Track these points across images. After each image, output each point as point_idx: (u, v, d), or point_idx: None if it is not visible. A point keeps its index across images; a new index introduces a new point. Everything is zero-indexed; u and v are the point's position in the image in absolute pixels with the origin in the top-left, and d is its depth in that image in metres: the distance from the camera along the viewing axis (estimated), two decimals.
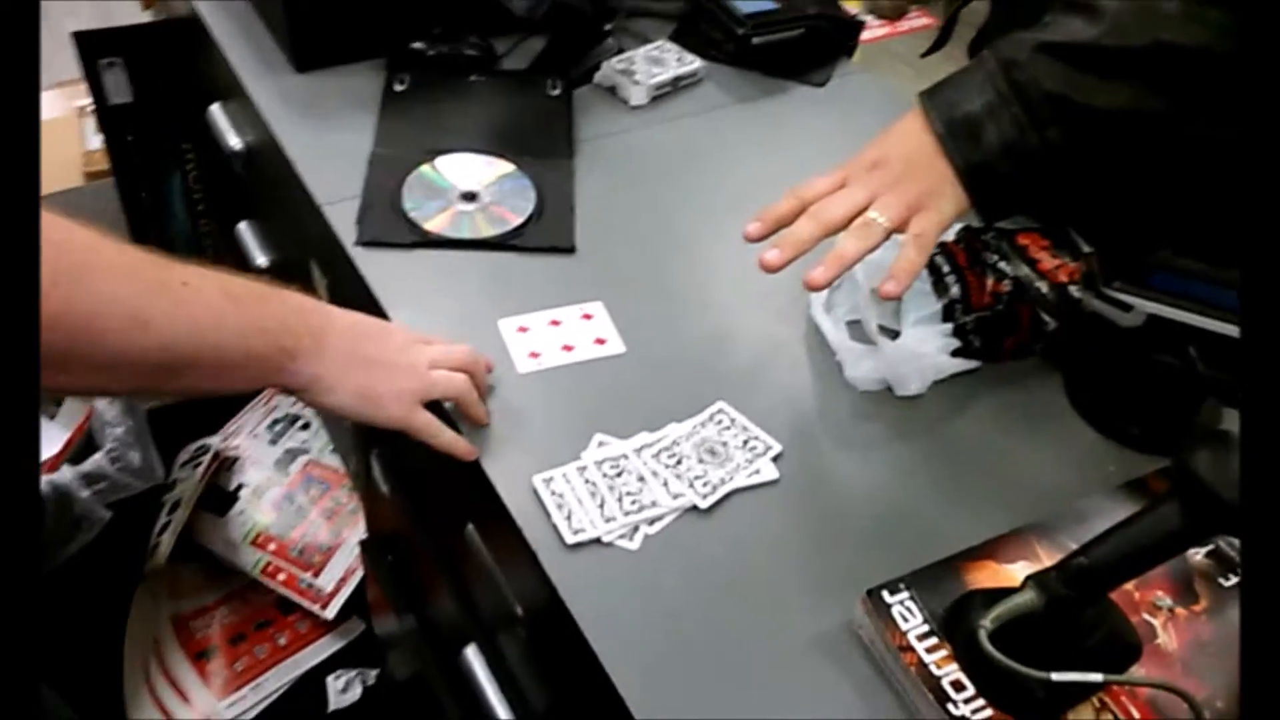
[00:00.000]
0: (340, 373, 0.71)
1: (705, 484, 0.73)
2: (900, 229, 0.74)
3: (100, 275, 0.58)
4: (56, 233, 0.56)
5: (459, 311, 0.85)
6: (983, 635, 0.57)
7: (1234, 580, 0.68)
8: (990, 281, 0.86)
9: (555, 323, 0.84)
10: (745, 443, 0.76)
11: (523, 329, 0.83)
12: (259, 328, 0.68)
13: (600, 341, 0.83)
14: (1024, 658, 0.58)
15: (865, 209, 0.74)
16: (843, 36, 1.18)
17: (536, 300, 0.86)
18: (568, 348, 0.82)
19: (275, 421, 1.68)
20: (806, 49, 1.16)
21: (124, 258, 0.61)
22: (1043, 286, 0.86)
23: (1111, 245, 0.76)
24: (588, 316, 0.84)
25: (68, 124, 2.02)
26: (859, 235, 0.73)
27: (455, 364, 0.75)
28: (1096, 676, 0.55)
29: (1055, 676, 0.55)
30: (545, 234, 0.91)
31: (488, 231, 0.91)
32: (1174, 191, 0.80)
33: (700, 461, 0.74)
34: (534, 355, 0.81)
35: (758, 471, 0.74)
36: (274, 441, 1.65)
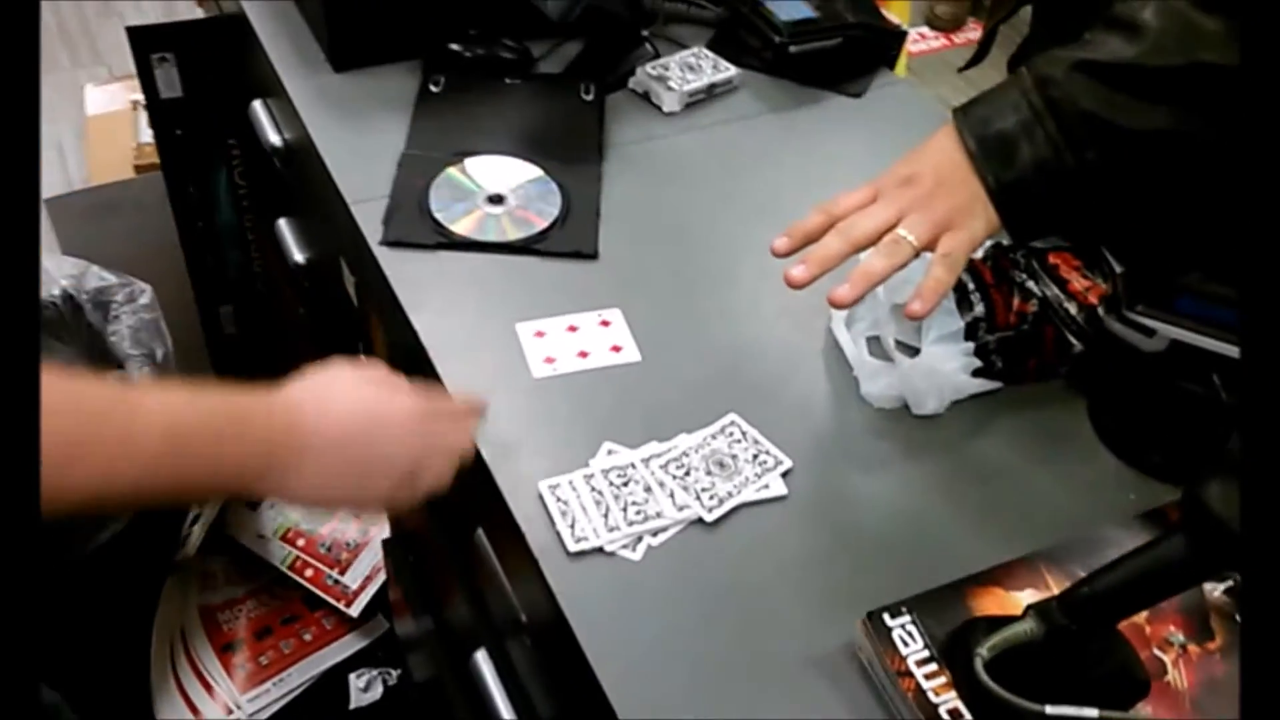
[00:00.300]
0: (319, 488, 0.64)
1: (712, 496, 0.72)
2: (930, 247, 0.73)
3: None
4: None
5: (478, 314, 0.85)
6: (979, 664, 0.56)
7: None
8: (1016, 301, 0.84)
9: (572, 329, 0.83)
10: (755, 456, 0.75)
11: (540, 334, 0.83)
12: (210, 471, 0.60)
13: (616, 349, 0.82)
14: (1023, 689, 0.56)
15: (894, 226, 0.73)
16: (883, 46, 1.17)
17: (556, 305, 0.85)
18: (583, 354, 0.81)
19: None
20: (846, 58, 1.14)
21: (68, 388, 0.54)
22: (1071, 308, 0.83)
23: (1142, 266, 0.74)
24: (605, 324, 0.84)
25: (123, 117, 2.07)
26: (887, 253, 0.72)
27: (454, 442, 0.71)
28: (1092, 713, 0.53)
29: (1050, 710, 0.53)
30: (569, 239, 0.91)
31: (513, 235, 0.91)
32: (1208, 214, 0.78)
33: (708, 474, 0.73)
34: (549, 360, 0.81)
35: (766, 486, 0.73)
36: None
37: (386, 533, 1.34)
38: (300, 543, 1.52)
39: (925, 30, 3.14)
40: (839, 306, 0.71)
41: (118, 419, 0.55)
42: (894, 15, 1.47)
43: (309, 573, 1.50)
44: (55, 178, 2.47)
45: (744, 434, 0.76)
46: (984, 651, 0.56)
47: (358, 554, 1.50)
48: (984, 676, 0.55)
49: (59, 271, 1.52)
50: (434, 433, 0.69)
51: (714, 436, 0.76)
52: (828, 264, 0.73)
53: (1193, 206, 0.79)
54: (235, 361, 1.86)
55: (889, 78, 1.16)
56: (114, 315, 1.49)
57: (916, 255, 0.73)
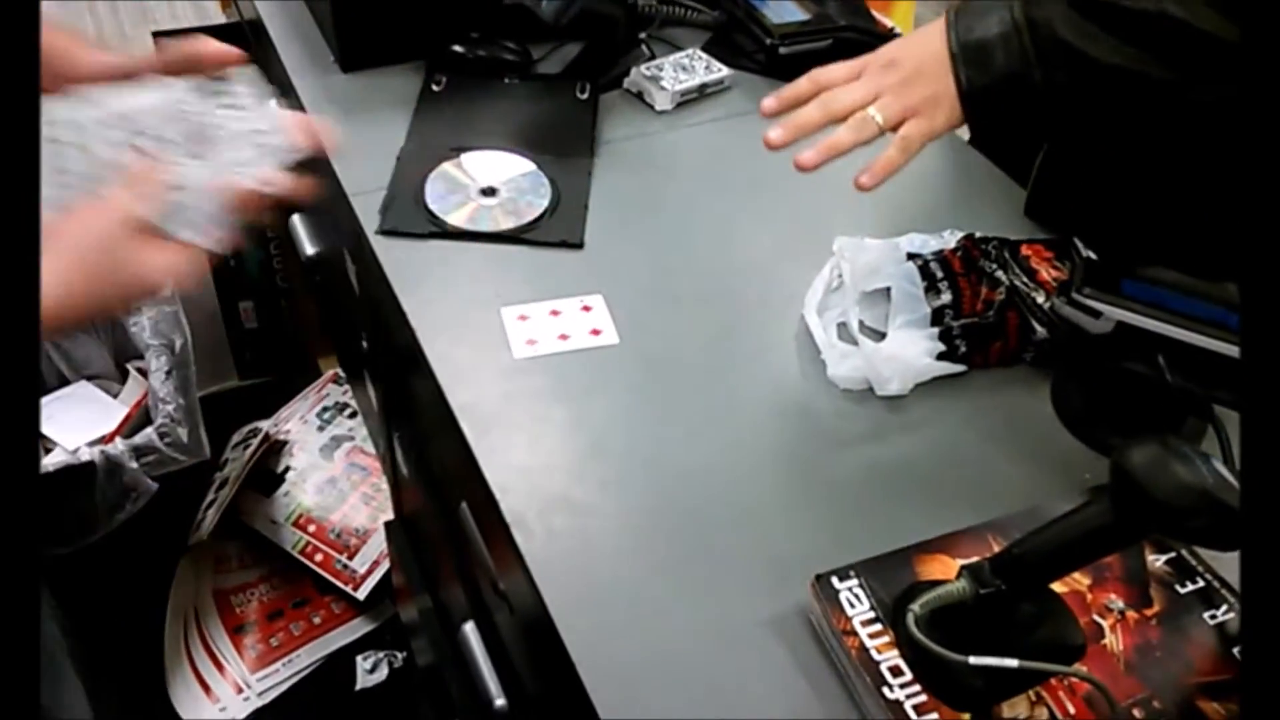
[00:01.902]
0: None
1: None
2: (894, 129, 0.77)
3: None
4: None
5: (466, 299, 0.89)
6: (910, 619, 0.59)
7: (1191, 587, 0.69)
8: (984, 289, 0.87)
9: (555, 313, 0.87)
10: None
11: (523, 317, 0.87)
12: None
13: (596, 332, 0.86)
14: (959, 647, 0.59)
15: (869, 104, 0.78)
16: (873, 49, 1.20)
17: (542, 291, 0.89)
18: (564, 336, 0.85)
19: (325, 409, 1.75)
20: (836, 60, 1.18)
21: None
22: (1039, 296, 0.87)
23: (1102, 245, 0.77)
24: (587, 309, 0.88)
25: None
26: (854, 128, 0.77)
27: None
28: (1012, 662, 0.56)
29: (973, 660, 0.57)
30: (557, 229, 0.95)
31: (504, 225, 0.95)
32: (1166, 181, 0.81)
33: None
34: (531, 342, 0.85)
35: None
36: (322, 428, 1.72)
37: (390, 516, 1.39)
38: (311, 528, 1.57)
39: None
40: (803, 169, 0.77)
41: None
42: (895, 20, 1.50)
43: (319, 557, 1.55)
44: None
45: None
46: (916, 608, 0.59)
47: (366, 540, 1.55)
48: (914, 630, 0.58)
49: None
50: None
51: None
52: (804, 131, 0.79)
53: (1150, 162, 0.82)
54: (256, 355, 1.92)
55: None
56: (136, 309, 1.55)
57: (881, 134, 0.78)
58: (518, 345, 0.84)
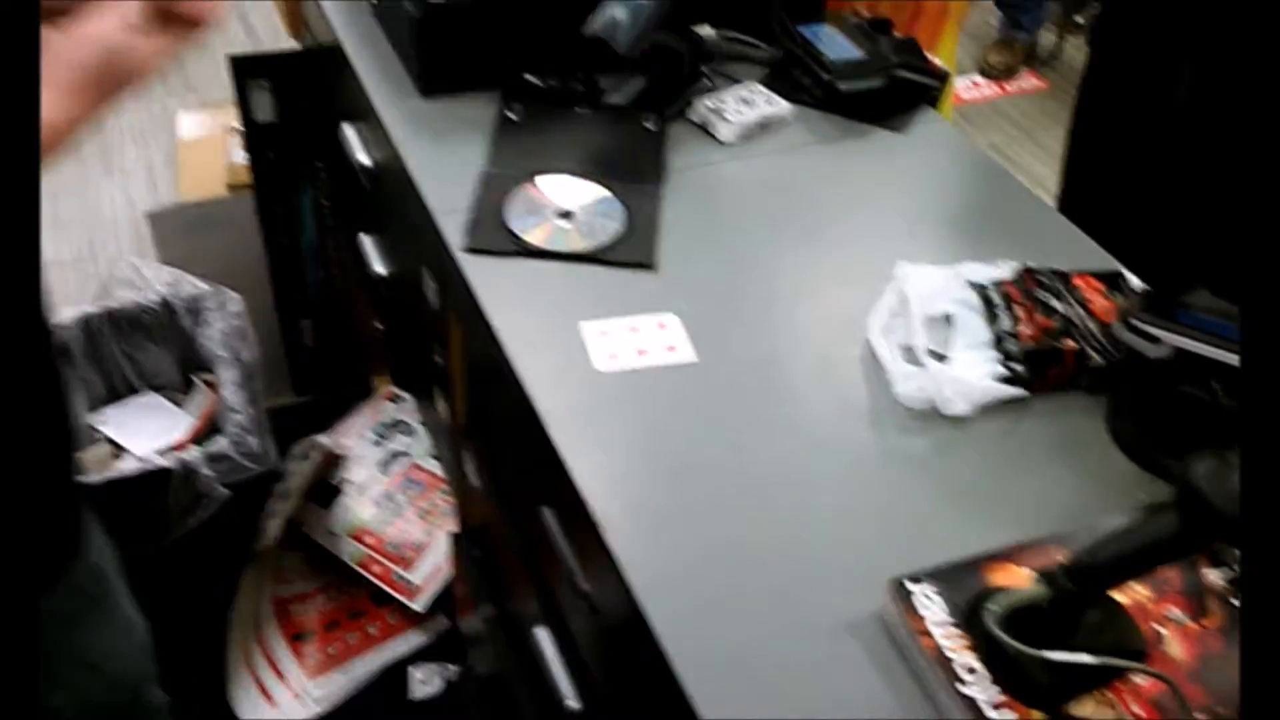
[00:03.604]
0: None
1: None
2: None
3: None
4: None
5: (548, 313, 0.94)
6: (989, 618, 0.63)
7: None
8: (1040, 317, 0.91)
9: (633, 329, 0.92)
10: None
11: (603, 333, 0.91)
12: None
13: (671, 349, 0.91)
14: (1030, 646, 0.63)
15: None
16: (926, 88, 1.25)
17: (617, 309, 0.94)
18: (642, 352, 0.90)
19: (381, 425, 1.80)
20: (891, 96, 1.23)
21: None
22: (1092, 326, 0.91)
23: (1154, 281, 0.81)
24: (662, 326, 0.93)
25: (213, 141, 2.21)
26: None
27: None
28: (1088, 658, 0.60)
29: (1048, 654, 0.60)
30: (630, 251, 1.00)
31: (579, 246, 1.00)
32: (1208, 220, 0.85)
33: None
34: (612, 356, 0.90)
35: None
36: (378, 443, 1.77)
37: (454, 528, 1.43)
38: (369, 541, 1.62)
39: (978, 78, 3.21)
40: None
41: None
42: (941, 60, 1.55)
43: (377, 569, 1.59)
44: (145, 197, 2.63)
45: None
46: (995, 607, 0.63)
47: (422, 553, 1.59)
48: (993, 627, 0.62)
49: (157, 279, 1.64)
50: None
51: None
52: None
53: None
54: (312, 372, 1.98)
55: (930, 115, 1.25)
56: (205, 320, 1.61)
57: None
58: (599, 358, 0.89)
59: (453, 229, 1.01)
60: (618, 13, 1.07)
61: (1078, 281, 0.96)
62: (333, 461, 1.72)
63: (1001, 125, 3.08)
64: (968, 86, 3.17)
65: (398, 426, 1.79)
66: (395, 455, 1.73)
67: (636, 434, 0.84)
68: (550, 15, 1.16)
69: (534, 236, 1.01)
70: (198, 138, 2.30)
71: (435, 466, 1.68)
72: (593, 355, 0.90)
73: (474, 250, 0.99)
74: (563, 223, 1.03)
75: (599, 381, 0.88)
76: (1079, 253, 1.04)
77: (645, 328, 0.92)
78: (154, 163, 2.75)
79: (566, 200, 1.05)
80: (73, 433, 0.90)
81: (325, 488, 1.70)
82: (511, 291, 0.96)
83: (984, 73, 3.24)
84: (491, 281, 0.96)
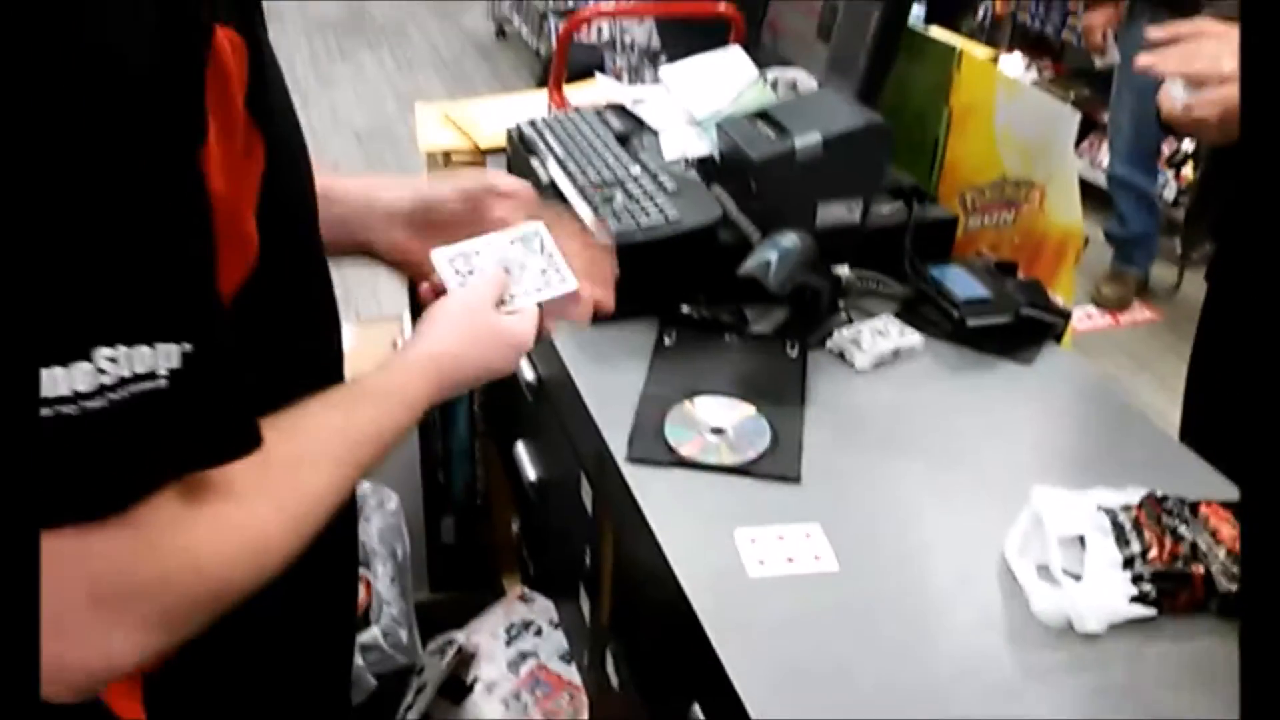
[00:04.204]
0: (460, 384, 0.89)
1: None
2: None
3: (308, 466, 0.71)
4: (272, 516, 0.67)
5: (702, 520, 1.03)
6: None
7: None
8: (1169, 542, 0.97)
9: (781, 537, 1.00)
10: None
11: (753, 540, 1.00)
12: (405, 410, 0.81)
13: (818, 558, 0.98)
14: None
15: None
16: (1050, 323, 1.35)
17: (765, 518, 1.03)
18: (790, 559, 0.98)
19: (512, 625, 1.88)
20: (1017, 331, 1.33)
21: (321, 436, 0.73)
22: (1220, 552, 0.96)
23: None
24: (808, 536, 1.01)
25: (378, 353, 2.41)
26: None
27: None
28: None
29: None
30: (776, 465, 1.09)
31: (730, 459, 1.10)
32: None
33: None
34: (761, 562, 0.97)
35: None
36: (509, 643, 1.84)
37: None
38: None
39: (1091, 310, 3.31)
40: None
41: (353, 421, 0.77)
42: (1060, 295, 1.65)
43: None
44: None
45: None
46: None
47: None
48: None
49: None
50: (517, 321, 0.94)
51: None
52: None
53: None
54: (448, 570, 2.08)
55: (1055, 349, 1.34)
56: (365, 517, 1.74)
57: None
58: (751, 564, 0.97)
59: (615, 440, 1.12)
60: (770, 256, 1.20)
61: (1205, 510, 1.01)
62: (465, 659, 1.80)
63: (1115, 356, 3.14)
64: (1081, 318, 3.26)
65: (529, 627, 1.86)
66: (524, 655, 1.80)
67: (784, 638, 0.91)
68: (706, 257, 1.30)
69: (688, 450, 1.11)
70: (355, 350, 2.51)
71: (562, 669, 1.74)
72: (745, 561, 0.98)
73: (634, 460, 1.10)
74: (714, 438, 1.13)
75: (752, 586, 0.96)
76: (1204, 482, 1.09)
77: (792, 536, 1.01)
78: None
79: (718, 418, 1.16)
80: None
81: (458, 684, 1.77)
82: (669, 498, 1.06)
83: (1097, 304, 3.34)
84: (650, 488, 1.06)
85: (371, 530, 1.70)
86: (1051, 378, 1.29)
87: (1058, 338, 1.38)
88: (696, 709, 0.96)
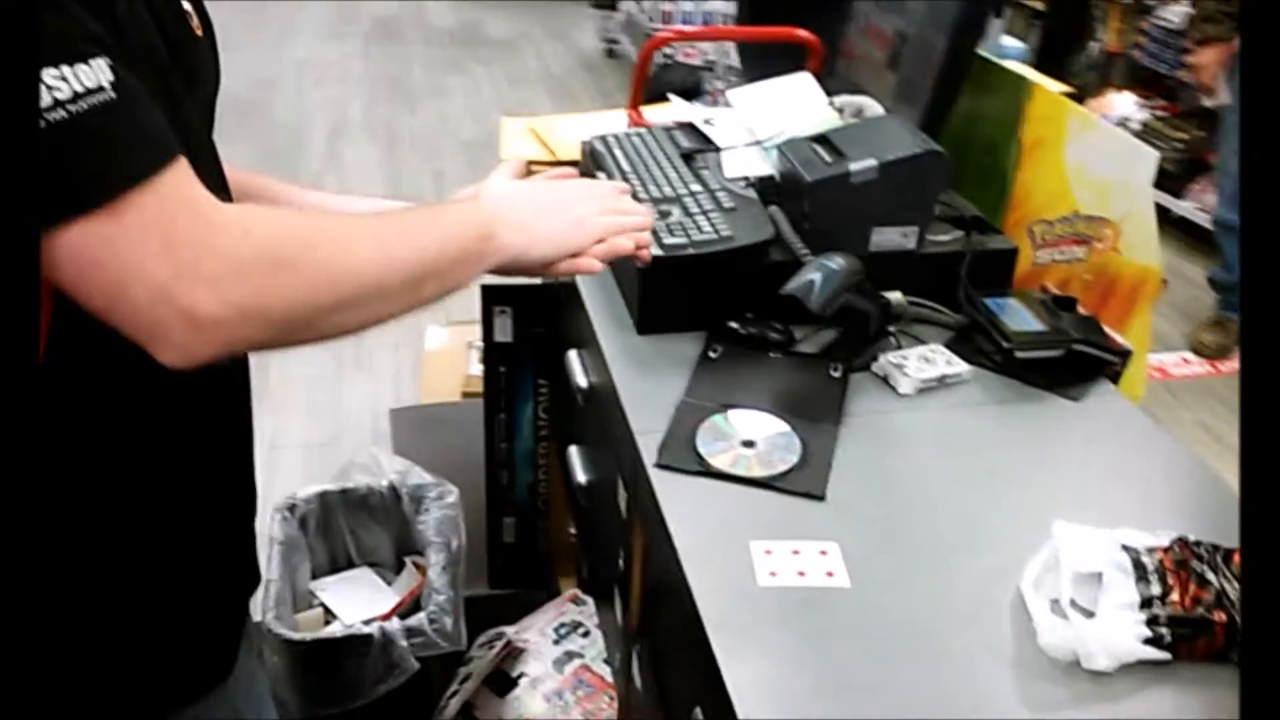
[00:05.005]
0: (529, 231, 1.00)
1: None
2: None
3: (355, 243, 0.85)
4: (314, 229, 0.84)
5: (721, 529, 1.05)
6: None
7: None
8: (1194, 588, 0.95)
9: (796, 552, 1.02)
10: None
11: (768, 551, 1.02)
12: (457, 229, 0.95)
13: (830, 574, 1.00)
14: None
15: None
16: (1104, 361, 1.33)
17: (785, 533, 1.04)
18: (801, 573, 0.99)
19: (562, 625, 1.92)
20: (1068, 367, 1.31)
21: (357, 229, 0.89)
22: None
23: None
24: (823, 553, 1.02)
25: (454, 353, 2.50)
26: None
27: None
28: None
29: None
30: (803, 481, 1.11)
31: (758, 473, 1.12)
32: None
33: None
34: (772, 574, 0.99)
35: None
36: (557, 641, 1.88)
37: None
38: None
39: (1189, 356, 3.21)
40: None
41: (391, 224, 0.95)
42: (1131, 337, 1.62)
43: None
44: (388, 396, 2.95)
45: None
46: None
47: None
48: None
49: (390, 468, 1.86)
50: (602, 195, 1.12)
51: None
52: None
53: None
54: (508, 568, 2.13)
55: (1106, 387, 1.32)
56: (424, 508, 1.81)
57: None
58: (761, 575, 0.99)
59: (647, 447, 1.15)
60: (814, 276, 1.22)
61: (1239, 558, 0.99)
62: (513, 653, 1.84)
63: (1212, 404, 3.04)
64: (1177, 363, 3.16)
65: (577, 628, 1.90)
66: (570, 655, 1.84)
67: (787, 649, 0.92)
68: (757, 275, 1.33)
69: (719, 461, 1.14)
70: (440, 349, 2.60)
71: (605, 671, 1.77)
72: (757, 571, 1.00)
73: (663, 466, 1.12)
74: (745, 451, 1.15)
75: (759, 595, 0.97)
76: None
77: (807, 551, 1.02)
78: (401, 368, 3.10)
79: (751, 431, 1.18)
80: (256, 575, 1.07)
81: (503, 677, 1.82)
82: (692, 506, 1.08)
83: (1196, 351, 3.23)
84: (675, 495, 1.09)
85: (429, 520, 1.76)
86: (1100, 416, 1.27)
87: (1115, 377, 1.36)
88: (698, 712, 0.98)
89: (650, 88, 1.98)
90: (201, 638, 0.96)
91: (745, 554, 1.02)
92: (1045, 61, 4.65)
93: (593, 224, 1.07)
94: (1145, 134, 4.34)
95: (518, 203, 1.03)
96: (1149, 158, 1.57)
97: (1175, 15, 4.24)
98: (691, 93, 1.75)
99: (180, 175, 0.73)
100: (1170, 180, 4.15)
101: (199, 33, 0.88)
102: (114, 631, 0.88)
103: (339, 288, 0.81)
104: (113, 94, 0.67)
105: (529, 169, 1.97)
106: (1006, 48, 3.82)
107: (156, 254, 0.70)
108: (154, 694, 0.91)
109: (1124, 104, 4.45)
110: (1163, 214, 4.32)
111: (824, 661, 0.91)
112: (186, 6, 0.86)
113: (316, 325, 0.80)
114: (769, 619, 0.95)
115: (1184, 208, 4.24)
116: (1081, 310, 1.41)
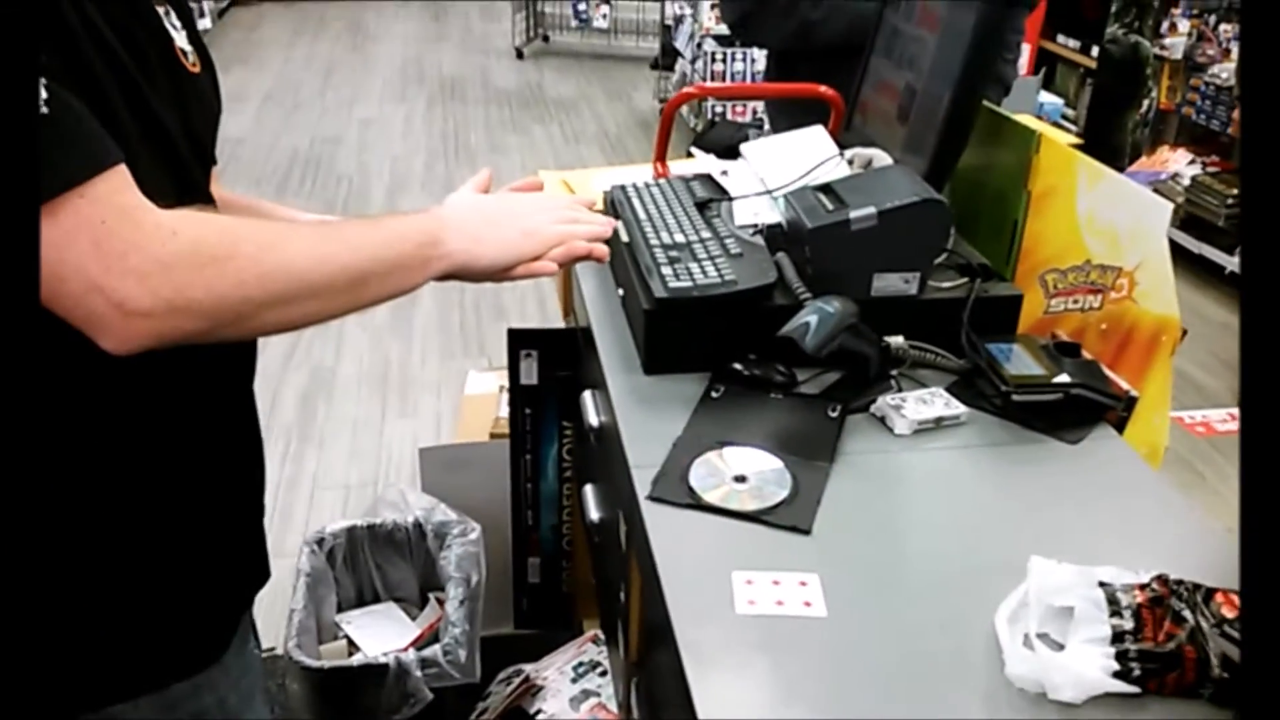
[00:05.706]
0: (477, 239, 1.04)
1: None
2: None
3: (285, 243, 0.91)
4: (247, 230, 0.89)
5: (707, 559, 1.08)
6: None
7: None
8: (1168, 624, 0.96)
9: (776, 582, 1.04)
10: None
11: (749, 581, 1.04)
12: (397, 236, 1.00)
13: (808, 604, 1.02)
14: None
15: None
16: (1103, 405, 1.34)
17: (769, 564, 1.07)
18: (780, 603, 1.02)
19: (580, 664, 1.95)
20: (1067, 411, 1.33)
21: (293, 231, 0.95)
22: (1224, 642, 0.94)
23: None
24: (803, 584, 1.05)
25: (491, 397, 2.56)
26: None
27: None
28: None
29: None
30: (790, 515, 1.14)
31: (748, 506, 1.15)
32: None
33: None
34: (751, 602, 1.02)
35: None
36: (575, 680, 1.91)
37: None
38: None
39: (1236, 411, 3.16)
40: None
41: (329, 229, 1.02)
42: (1150, 389, 1.62)
43: None
44: (429, 439, 3.02)
45: None
46: None
47: None
48: None
49: (417, 505, 1.92)
50: (559, 206, 1.16)
51: None
52: None
53: None
54: (534, 608, 2.17)
55: (1106, 432, 1.33)
56: (447, 544, 1.86)
57: None
58: (740, 603, 1.02)
59: (642, 481, 1.19)
60: (810, 318, 1.26)
61: (1221, 598, 1.00)
62: (532, 690, 1.87)
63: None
64: (1224, 419, 3.11)
65: (595, 667, 1.92)
66: (587, 694, 1.86)
67: (759, 675, 0.95)
68: (759, 318, 1.37)
69: (711, 495, 1.17)
70: (480, 393, 2.67)
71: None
72: (736, 600, 1.02)
73: (655, 499, 1.16)
74: (737, 486, 1.18)
75: (736, 623, 1.00)
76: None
77: (787, 582, 1.05)
78: (442, 412, 3.18)
79: (744, 467, 1.21)
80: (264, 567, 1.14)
81: (521, 714, 1.85)
82: (679, 536, 1.11)
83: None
84: (664, 526, 1.13)
85: (451, 556, 1.80)
86: (1097, 459, 1.28)
87: (1120, 424, 1.37)
88: None
89: (701, 144, 2.05)
90: (196, 617, 1.02)
91: (727, 584, 1.05)
92: (1097, 120, 4.66)
93: (546, 232, 1.12)
94: (1195, 189, 4.31)
95: (469, 213, 1.10)
96: (1162, 209, 1.58)
97: (1226, 72, 4.23)
98: (736, 149, 1.80)
99: (114, 182, 0.81)
100: (1222, 236, 4.11)
101: (195, 69, 0.96)
102: (111, 601, 0.96)
103: (268, 284, 0.88)
104: (45, 110, 0.76)
105: None
106: (1044, 104, 3.84)
107: (86, 251, 0.78)
108: (143, 662, 0.97)
109: (1178, 161, 4.43)
110: (1215, 270, 4.30)
111: (794, 686, 0.94)
112: (185, 46, 0.95)
113: (250, 319, 0.88)
114: (742, 645, 0.98)
115: (1235, 264, 4.19)
116: (1086, 355, 1.43)
